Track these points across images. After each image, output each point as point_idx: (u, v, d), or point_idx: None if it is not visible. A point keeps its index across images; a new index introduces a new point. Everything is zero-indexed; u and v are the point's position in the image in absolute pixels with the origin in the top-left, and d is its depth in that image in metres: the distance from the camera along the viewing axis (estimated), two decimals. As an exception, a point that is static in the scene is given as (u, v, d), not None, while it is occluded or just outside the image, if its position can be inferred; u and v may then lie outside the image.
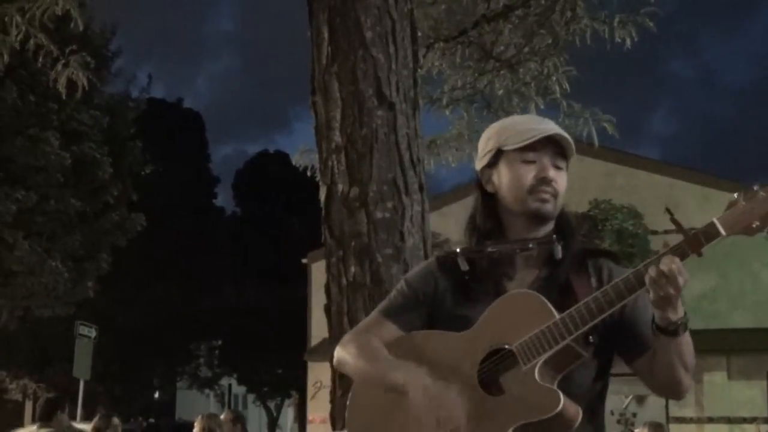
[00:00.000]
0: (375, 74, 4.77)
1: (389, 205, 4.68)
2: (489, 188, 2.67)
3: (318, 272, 25.58)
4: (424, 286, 2.69)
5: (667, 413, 23.05)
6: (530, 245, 2.58)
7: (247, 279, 38.80)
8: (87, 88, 7.79)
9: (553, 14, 7.94)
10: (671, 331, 2.40)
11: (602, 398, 2.65)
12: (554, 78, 8.22)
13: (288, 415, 44.11)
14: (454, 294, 2.64)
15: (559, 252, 2.57)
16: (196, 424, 9.63)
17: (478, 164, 2.72)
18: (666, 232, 21.98)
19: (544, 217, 2.60)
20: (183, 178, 39.84)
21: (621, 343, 2.58)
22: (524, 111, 8.55)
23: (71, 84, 7.54)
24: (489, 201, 2.68)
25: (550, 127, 2.61)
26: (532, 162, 2.59)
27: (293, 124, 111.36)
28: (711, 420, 23.03)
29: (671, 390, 2.55)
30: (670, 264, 2.35)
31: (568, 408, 2.39)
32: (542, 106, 8.47)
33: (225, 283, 38.13)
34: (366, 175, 4.70)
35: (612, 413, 25.16)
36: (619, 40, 7.98)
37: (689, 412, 23.24)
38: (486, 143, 2.71)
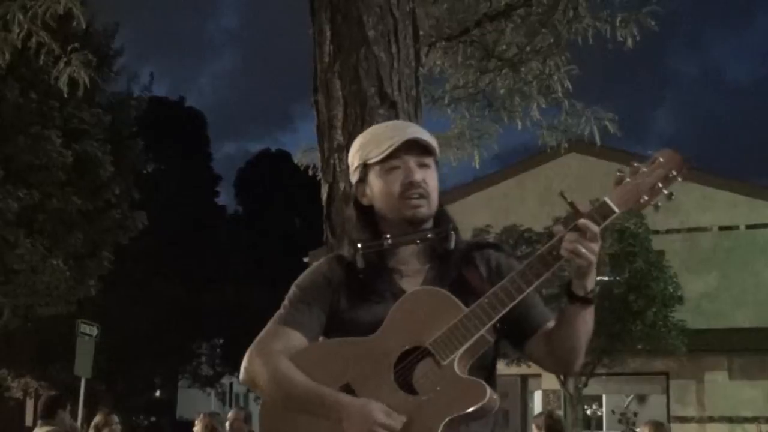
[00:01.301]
0: (377, 73, 4.77)
1: (391, 204, 4.68)
2: (364, 201, 2.73)
3: (319, 271, 25.52)
4: (316, 287, 2.72)
5: (669, 412, 23.07)
6: (429, 235, 2.65)
7: (248, 277, 38.81)
8: (89, 87, 7.78)
9: (555, 13, 7.94)
10: (588, 299, 2.52)
11: (496, 385, 2.68)
12: (556, 77, 8.22)
13: (289, 413, 44.04)
14: (349, 294, 2.67)
15: (452, 242, 2.65)
16: (197, 422, 9.64)
17: (352, 180, 2.79)
18: (668, 231, 22.02)
19: (421, 219, 2.66)
20: (184, 177, 39.82)
21: (513, 326, 2.64)
22: (526, 110, 8.56)
23: (73, 82, 7.53)
24: (366, 214, 2.74)
25: (408, 131, 2.69)
26: (398, 168, 2.65)
27: (296, 123, 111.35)
28: (712, 419, 23.04)
29: (569, 360, 2.63)
30: (586, 224, 2.45)
31: (491, 396, 2.47)
32: (544, 105, 8.48)
33: (226, 282, 38.11)
34: (368, 173, 4.69)
35: (613, 412, 25.21)
36: (621, 39, 7.98)
37: (691, 411, 23.26)
38: (353, 159, 2.76)
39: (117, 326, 27.23)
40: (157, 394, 43.72)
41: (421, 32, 5.52)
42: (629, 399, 25.20)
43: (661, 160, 2.50)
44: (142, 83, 32.49)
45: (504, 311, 2.48)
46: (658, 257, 20.25)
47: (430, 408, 2.45)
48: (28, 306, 23.53)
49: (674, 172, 2.49)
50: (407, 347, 2.52)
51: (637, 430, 12.19)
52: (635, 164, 2.52)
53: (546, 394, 24.17)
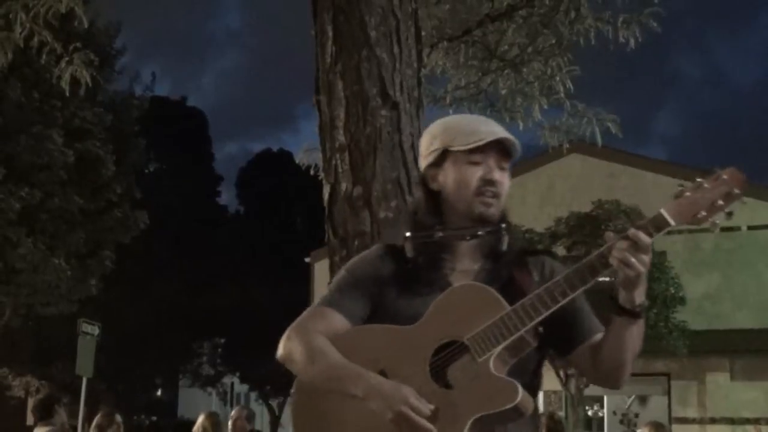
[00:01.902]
0: (379, 74, 4.77)
1: (393, 204, 4.68)
2: (434, 186, 2.70)
3: (321, 271, 25.60)
4: (365, 274, 2.70)
5: (670, 413, 23.06)
6: (479, 232, 2.62)
7: (250, 277, 38.81)
8: (91, 86, 7.77)
9: (557, 14, 7.94)
10: (636, 312, 2.47)
11: (538, 391, 2.67)
12: (558, 78, 8.21)
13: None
14: (396, 283, 2.65)
15: (505, 243, 2.62)
16: (198, 421, 9.64)
17: (423, 162, 2.75)
18: (669, 232, 22.00)
19: (488, 220, 2.64)
20: (186, 176, 39.86)
21: (561, 334, 2.61)
22: (528, 111, 8.55)
23: (75, 81, 7.53)
24: (432, 199, 2.71)
25: (496, 129, 2.66)
26: (478, 163, 2.63)
27: (299, 123, 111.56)
28: (714, 420, 23.02)
29: (615, 375, 2.61)
30: (637, 233, 2.39)
31: (524, 398, 2.44)
32: (546, 106, 8.47)
33: (228, 282, 38.13)
34: (369, 174, 4.69)
35: (614, 413, 25.20)
36: (623, 40, 7.97)
37: (692, 412, 23.24)
38: (431, 142, 2.73)
39: (118, 325, 27.26)
40: (159, 393, 43.79)
41: (423, 33, 5.53)
42: (630, 400, 25.18)
43: (725, 177, 2.41)
44: (144, 83, 32.56)
45: (546, 314, 2.45)
46: (659, 258, 20.22)
47: (459, 403, 2.44)
48: (29, 305, 23.57)
49: (737, 190, 2.41)
50: (445, 340, 2.50)
51: (638, 431, 12.19)
52: (698, 179, 2.43)
53: (547, 395, 24.16)
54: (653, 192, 20.78)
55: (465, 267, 2.65)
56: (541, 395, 26.49)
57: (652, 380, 23.42)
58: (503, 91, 8.46)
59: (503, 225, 2.64)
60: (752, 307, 23.17)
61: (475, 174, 2.62)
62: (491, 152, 2.63)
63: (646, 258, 2.39)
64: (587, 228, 19.32)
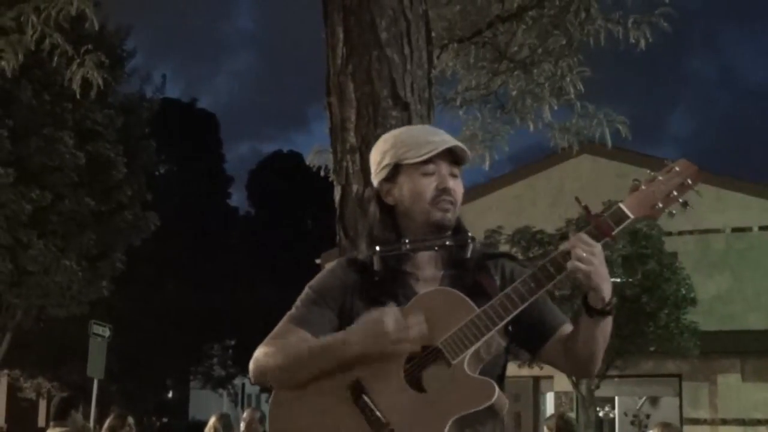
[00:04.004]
0: (390, 75, 4.77)
1: (403, 205, 4.68)
2: (389, 201, 2.74)
3: (331, 272, 25.54)
4: (329, 289, 2.72)
5: (681, 414, 23.01)
6: (447, 242, 2.66)
7: (260, 279, 38.83)
8: (101, 88, 7.78)
9: (568, 15, 7.92)
10: (607, 311, 2.53)
11: (504, 386, 2.70)
12: (568, 79, 8.20)
13: (301, 414, 44.04)
14: (361, 296, 2.67)
15: (469, 251, 2.66)
16: (209, 422, 9.67)
17: (375, 178, 2.79)
18: (680, 233, 21.96)
19: (447, 226, 2.68)
20: (197, 178, 39.90)
21: (529, 331, 2.66)
22: (538, 112, 8.54)
23: (86, 84, 7.54)
24: (388, 213, 2.74)
25: (445, 138, 2.72)
26: (431, 174, 2.68)
27: (310, 124, 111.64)
28: (725, 422, 22.95)
29: (588, 365, 2.65)
30: (581, 235, 2.49)
31: (501, 396, 2.49)
32: (556, 107, 8.46)
33: (238, 283, 38.16)
34: (380, 175, 4.69)
35: (626, 414, 25.17)
36: (633, 41, 7.95)
37: (703, 413, 23.18)
38: (382, 158, 2.77)
39: (129, 327, 27.30)
40: (170, 395, 43.80)
41: (433, 34, 5.52)
42: (642, 401, 25.15)
43: (677, 168, 2.56)
44: (154, 84, 32.62)
45: (515, 312, 2.50)
46: (670, 259, 20.19)
47: (438, 406, 2.47)
48: (40, 307, 23.64)
49: (689, 181, 2.55)
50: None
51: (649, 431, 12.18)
52: (651, 173, 2.56)
53: (558, 396, 24.14)
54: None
55: (429, 275, 2.69)
56: (552, 396, 26.41)
57: (663, 381, 23.39)
58: (513, 93, 8.45)
59: (469, 234, 2.68)
60: (764, 308, 23.09)
61: (430, 184, 2.67)
62: (443, 161, 2.69)
63: (593, 258, 2.45)
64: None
